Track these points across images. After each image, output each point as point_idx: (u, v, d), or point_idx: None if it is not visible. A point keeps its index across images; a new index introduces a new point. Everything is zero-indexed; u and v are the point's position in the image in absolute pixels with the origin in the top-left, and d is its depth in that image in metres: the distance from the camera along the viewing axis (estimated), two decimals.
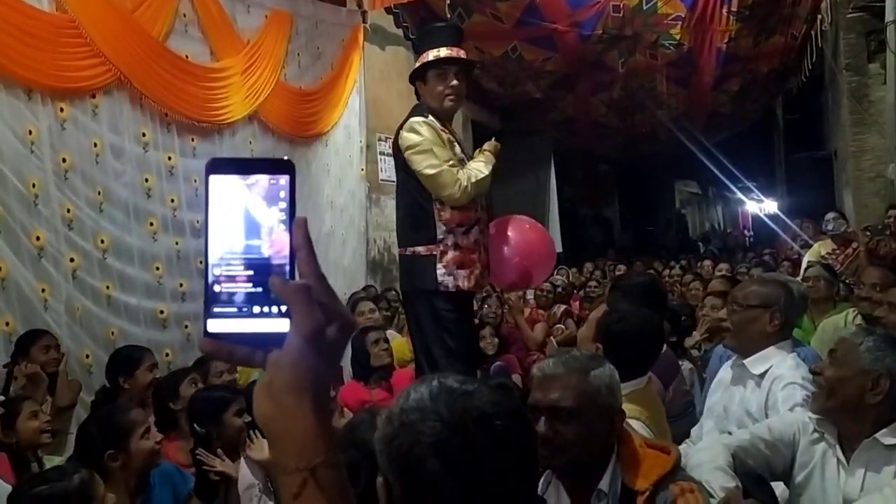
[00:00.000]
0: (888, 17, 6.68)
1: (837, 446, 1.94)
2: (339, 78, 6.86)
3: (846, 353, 1.92)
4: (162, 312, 5.02)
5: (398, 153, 3.31)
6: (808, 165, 11.70)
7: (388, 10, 7.72)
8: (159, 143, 4.99)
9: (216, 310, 0.73)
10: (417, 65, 3.36)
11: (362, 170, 7.38)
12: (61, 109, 4.34)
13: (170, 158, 5.09)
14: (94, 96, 4.54)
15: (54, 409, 3.43)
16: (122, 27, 4.60)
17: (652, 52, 8.53)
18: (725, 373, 2.71)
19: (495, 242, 3.40)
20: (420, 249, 3.20)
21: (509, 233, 3.43)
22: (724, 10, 7.84)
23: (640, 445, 1.70)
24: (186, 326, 5.16)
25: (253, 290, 0.73)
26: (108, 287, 4.62)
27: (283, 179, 0.73)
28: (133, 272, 4.82)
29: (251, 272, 0.73)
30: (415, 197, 3.23)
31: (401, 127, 3.32)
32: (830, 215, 6.53)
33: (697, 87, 9.07)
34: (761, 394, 2.41)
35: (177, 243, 5.09)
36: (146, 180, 4.92)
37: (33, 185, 4.15)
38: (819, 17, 7.57)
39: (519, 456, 1.06)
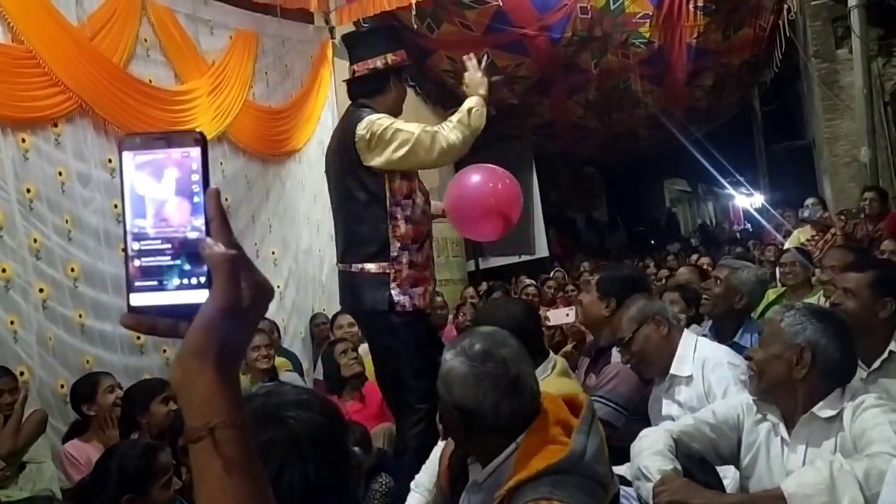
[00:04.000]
0: (851, 2, 6.74)
1: (781, 424, 1.93)
2: (310, 94, 6.87)
3: (770, 332, 1.93)
4: (139, 338, 4.98)
5: (347, 153, 3.03)
6: (789, 155, 11.74)
7: (356, 25, 7.74)
8: None
9: (137, 284, 0.75)
10: (379, 67, 3.09)
11: None
12: (23, 140, 4.34)
13: None
14: (56, 125, 4.53)
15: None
16: (80, 55, 4.60)
17: (623, 51, 8.58)
18: (654, 397, 2.70)
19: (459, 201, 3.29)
20: (370, 267, 3.01)
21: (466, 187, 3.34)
22: (691, 6, 7.91)
23: (543, 441, 1.58)
24: (165, 351, 5.13)
25: (171, 262, 0.74)
26: (80, 315, 4.59)
27: (195, 152, 0.75)
28: (107, 299, 4.79)
29: (168, 245, 0.74)
30: (365, 208, 3.02)
31: (354, 127, 3.01)
32: (809, 201, 6.56)
33: (671, 83, 9.11)
34: (697, 384, 2.42)
35: None
36: (115, 206, 4.90)
37: None
38: (785, 6, 7.61)
39: (314, 446, 1.06)
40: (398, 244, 3.00)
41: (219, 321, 0.72)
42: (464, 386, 1.63)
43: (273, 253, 6.24)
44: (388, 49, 3.14)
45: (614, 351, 2.93)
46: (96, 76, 4.69)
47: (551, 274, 8.34)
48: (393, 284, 2.98)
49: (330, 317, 5.74)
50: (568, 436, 1.58)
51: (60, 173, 4.56)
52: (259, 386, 1.14)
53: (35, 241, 4.35)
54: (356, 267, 3.06)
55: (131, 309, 0.75)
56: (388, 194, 3.02)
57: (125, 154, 0.75)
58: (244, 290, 0.73)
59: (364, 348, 4.54)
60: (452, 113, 3.16)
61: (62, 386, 4.38)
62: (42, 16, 4.41)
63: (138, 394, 3.36)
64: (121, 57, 4.93)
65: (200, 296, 0.73)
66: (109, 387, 3.46)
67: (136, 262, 0.75)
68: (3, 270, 4.14)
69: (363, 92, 3.15)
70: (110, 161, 4.90)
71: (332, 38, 7.36)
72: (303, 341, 6.45)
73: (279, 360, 4.95)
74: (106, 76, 4.76)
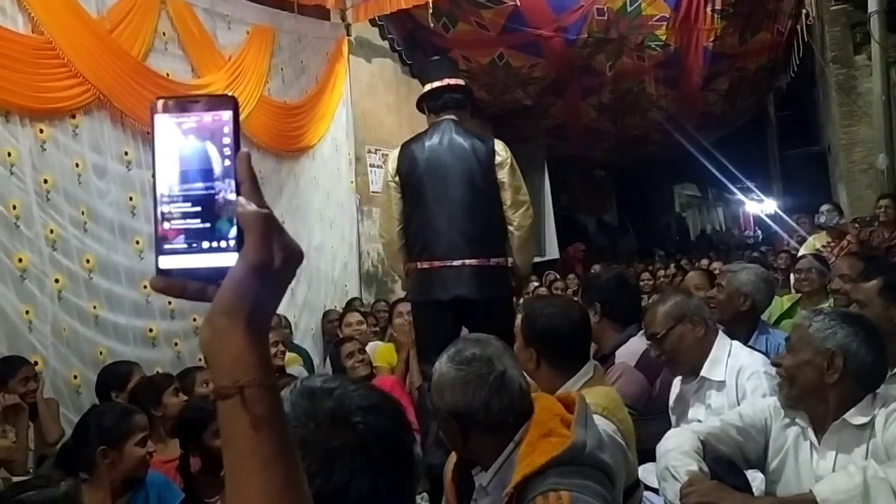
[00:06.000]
0: (871, 7, 6.69)
1: (810, 429, 1.89)
2: (325, 91, 6.86)
3: (799, 338, 1.88)
4: (151, 331, 5.00)
5: (489, 161, 3.60)
6: (803, 162, 11.64)
7: (372, 23, 7.75)
8: (142, 161, 4.96)
9: (166, 247, 0.74)
10: (465, 85, 3.79)
11: (352, 182, 7.37)
12: (41, 130, 4.34)
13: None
14: (73, 116, 4.54)
15: (41, 443, 3.38)
16: (99, 47, 4.60)
17: (639, 54, 8.53)
18: (680, 397, 2.65)
19: None
20: (501, 261, 3.60)
21: None
22: (709, 9, 7.84)
23: (543, 435, 1.58)
24: (176, 344, 5.14)
25: (201, 225, 0.74)
26: (94, 307, 4.60)
27: (226, 115, 0.75)
28: (120, 291, 4.80)
29: (199, 208, 0.74)
30: (498, 212, 3.58)
31: (490, 140, 3.71)
32: (824, 207, 6.51)
33: (686, 87, 9.06)
34: (731, 391, 2.38)
35: None
36: (130, 199, 4.91)
37: (14, 207, 4.15)
38: (803, 11, 7.56)
39: (384, 454, 1.02)
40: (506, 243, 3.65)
41: (250, 280, 0.71)
42: (453, 390, 1.65)
43: None
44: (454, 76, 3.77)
45: (618, 353, 2.90)
46: (114, 69, 4.70)
47: (542, 279, 8.27)
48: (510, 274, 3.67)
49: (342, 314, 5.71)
50: (566, 428, 1.58)
51: (77, 165, 4.57)
52: (322, 379, 1.09)
53: (51, 231, 4.36)
54: (493, 261, 3.58)
55: (160, 272, 0.74)
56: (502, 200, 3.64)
57: (157, 117, 0.75)
58: (275, 250, 0.73)
59: (371, 346, 4.55)
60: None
61: (75, 377, 4.40)
62: (62, 8, 4.42)
63: (147, 389, 3.33)
64: (139, 50, 4.94)
65: (230, 259, 0.73)
66: (141, 378, 3.48)
67: (166, 225, 0.74)
68: (20, 260, 4.15)
69: (456, 102, 3.68)
70: (126, 154, 4.91)
71: (348, 35, 7.37)
72: (313, 338, 6.45)
73: (290, 356, 4.94)
74: (124, 69, 4.77)
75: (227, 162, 0.74)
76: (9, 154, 4.14)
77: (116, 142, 4.84)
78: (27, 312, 4.16)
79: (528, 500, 1.48)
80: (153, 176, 0.75)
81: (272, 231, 0.73)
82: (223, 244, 0.74)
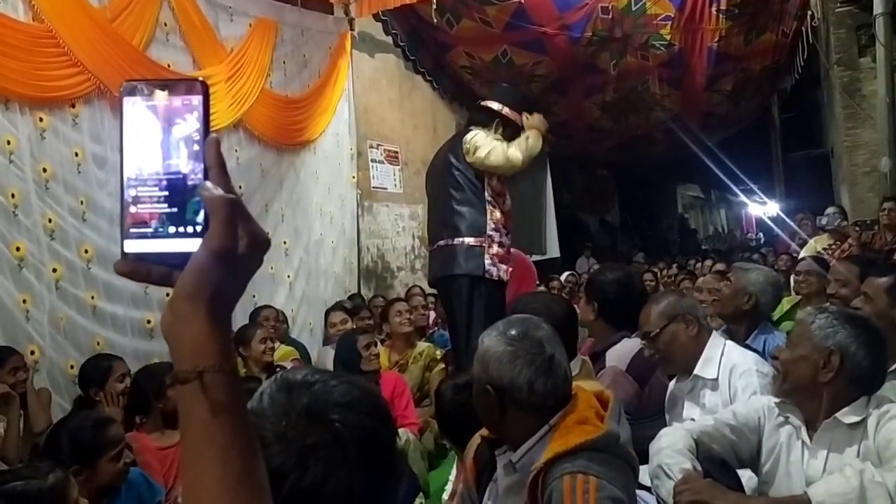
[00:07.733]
0: (876, 9, 6.65)
1: (803, 428, 1.88)
2: (327, 85, 6.85)
3: (799, 333, 1.88)
4: (149, 322, 4.98)
5: (460, 152, 3.82)
6: (806, 164, 11.62)
7: (376, 18, 7.73)
8: None
9: (132, 230, 0.74)
10: (494, 108, 3.95)
11: (353, 177, 7.35)
12: (40, 119, 4.33)
13: None
14: (73, 105, 4.52)
15: (29, 432, 3.34)
16: (100, 36, 4.59)
17: (643, 53, 8.50)
18: (674, 396, 2.65)
19: None
20: (470, 240, 3.69)
21: None
22: (714, 9, 7.80)
23: (578, 422, 1.60)
24: None
25: (168, 210, 0.74)
26: (92, 297, 4.59)
27: (196, 100, 0.74)
28: (119, 282, 4.77)
29: (166, 192, 0.74)
30: (473, 195, 3.78)
31: (466, 132, 3.89)
32: (829, 210, 6.48)
33: (690, 87, 9.03)
34: (723, 390, 2.37)
35: None
36: None
37: (13, 196, 4.14)
38: (809, 12, 7.53)
39: (361, 452, 0.99)
40: (492, 225, 3.75)
41: (212, 265, 0.71)
42: (500, 363, 1.65)
43: (284, 243, 6.22)
44: (512, 104, 3.93)
45: (608, 355, 2.88)
46: (115, 58, 4.68)
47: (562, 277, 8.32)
48: (486, 256, 3.70)
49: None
50: (600, 422, 1.60)
51: (77, 154, 4.55)
52: (304, 373, 1.07)
53: (50, 220, 4.35)
54: (457, 240, 3.74)
55: (125, 255, 0.74)
56: (486, 189, 3.77)
57: (126, 100, 0.75)
58: (240, 236, 0.73)
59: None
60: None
61: (72, 366, 4.38)
62: None
63: (151, 378, 3.23)
64: (140, 40, 4.92)
65: (195, 244, 0.72)
66: (120, 375, 3.45)
67: (132, 209, 0.74)
68: (18, 249, 4.14)
69: (482, 119, 3.93)
70: None
71: (352, 29, 7.35)
72: (311, 332, 6.44)
73: (286, 349, 4.93)
74: (125, 59, 4.76)
75: (196, 147, 0.74)
76: (8, 142, 4.13)
77: (116, 131, 4.79)
78: (24, 301, 4.15)
79: (555, 477, 1.51)
80: (120, 158, 0.74)
81: (238, 217, 0.72)
82: (190, 229, 0.73)
